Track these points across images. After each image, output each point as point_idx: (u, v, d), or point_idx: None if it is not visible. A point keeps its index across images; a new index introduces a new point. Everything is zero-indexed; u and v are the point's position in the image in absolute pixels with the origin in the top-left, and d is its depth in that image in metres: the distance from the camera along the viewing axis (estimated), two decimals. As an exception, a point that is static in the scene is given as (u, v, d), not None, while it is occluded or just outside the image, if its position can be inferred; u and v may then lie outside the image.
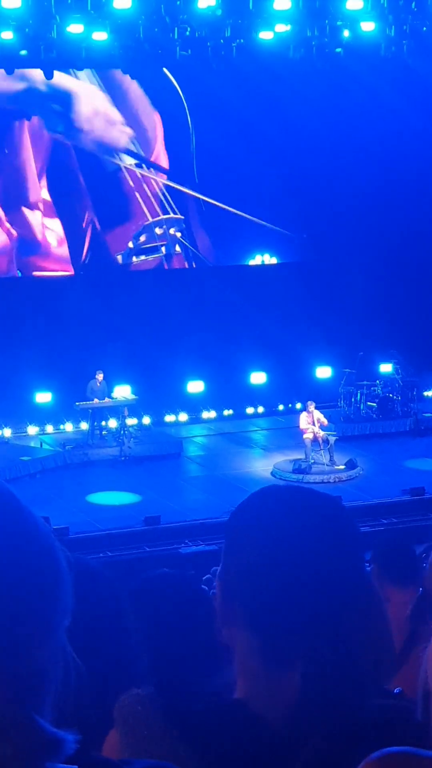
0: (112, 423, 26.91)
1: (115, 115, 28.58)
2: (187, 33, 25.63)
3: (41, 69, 25.39)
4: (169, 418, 28.56)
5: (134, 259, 29.57)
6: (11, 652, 1.78)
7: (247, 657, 2.23)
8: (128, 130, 28.71)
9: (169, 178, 29.39)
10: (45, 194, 28.35)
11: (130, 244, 29.44)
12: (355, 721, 2.18)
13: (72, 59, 25.52)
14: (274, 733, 2.18)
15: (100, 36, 24.92)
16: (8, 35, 24.37)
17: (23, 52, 24.80)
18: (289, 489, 2.35)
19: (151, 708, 2.27)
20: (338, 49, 27.07)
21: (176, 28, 25.45)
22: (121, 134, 28.69)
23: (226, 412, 29.10)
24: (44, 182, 28.32)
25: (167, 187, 29.41)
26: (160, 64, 26.67)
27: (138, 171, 28.93)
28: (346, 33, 26.63)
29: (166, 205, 29.54)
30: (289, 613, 2.18)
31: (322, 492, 2.37)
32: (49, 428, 27.41)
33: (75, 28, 24.58)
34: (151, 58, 25.94)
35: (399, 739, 2.09)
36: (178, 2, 25.08)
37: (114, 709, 2.36)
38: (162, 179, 29.12)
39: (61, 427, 27.52)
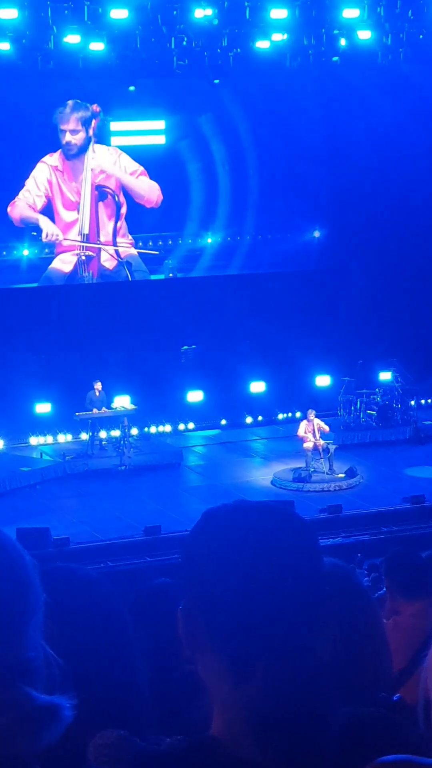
0: (113, 433, 26.90)
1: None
2: (184, 43, 25.70)
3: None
4: (169, 427, 28.54)
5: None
6: None
7: (218, 683, 2.20)
8: None
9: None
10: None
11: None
12: (321, 737, 2.16)
13: (69, 70, 25.56)
14: None
15: (97, 46, 25.00)
16: (5, 46, 24.44)
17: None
18: (237, 506, 2.31)
19: (121, 751, 2.25)
20: (335, 58, 27.15)
21: (173, 38, 25.53)
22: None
23: (225, 422, 29.08)
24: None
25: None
26: (157, 74, 26.66)
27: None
28: (342, 42, 26.71)
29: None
30: (252, 631, 2.16)
31: (271, 503, 2.34)
32: (49, 439, 27.40)
33: (72, 39, 24.66)
34: (148, 68, 26.00)
35: (391, 748, 2.09)
36: (175, 12, 25.16)
37: (88, 749, 2.34)
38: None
39: (61, 437, 27.51)
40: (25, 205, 28.03)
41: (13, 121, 26.98)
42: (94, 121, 27.98)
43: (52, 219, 28.34)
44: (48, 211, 28.28)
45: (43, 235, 28.23)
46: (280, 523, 2.27)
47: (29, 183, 27.98)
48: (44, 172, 28.06)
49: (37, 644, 1.95)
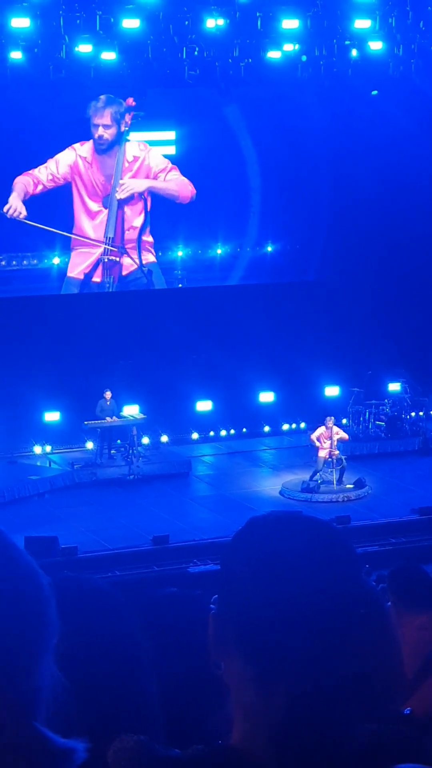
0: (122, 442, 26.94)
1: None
2: (196, 53, 25.74)
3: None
4: (178, 437, 28.53)
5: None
6: (13, 674, 1.89)
7: (241, 690, 2.19)
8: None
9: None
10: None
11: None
12: (341, 753, 2.14)
13: (81, 79, 25.61)
14: None
15: (109, 56, 25.05)
16: (18, 55, 24.50)
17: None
18: (282, 516, 2.30)
19: (140, 756, 2.24)
20: (350, 69, 27.14)
21: (184, 48, 25.57)
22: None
23: (234, 432, 29.08)
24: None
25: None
26: (168, 84, 26.70)
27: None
28: (354, 52, 26.73)
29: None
30: (283, 645, 2.15)
31: (314, 517, 2.33)
32: (57, 448, 27.39)
33: (84, 48, 24.71)
34: (159, 77, 26.05)
35: (408, 762, 2.08)
36: (187, 22, 25.22)
37: (108, 755, 2.34)
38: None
39: (70, 446, 27.51)
40: (30, 181, 27.63)
41: (24, 130, 27.03)
42: (127, 116, 27.77)
43: (71, 207, 28.16)
44: (64, 195, 28.05)
45: (5, 207, 27.54)
46: (323, 538, 2.26)
47: (50, 162, 27.69)
48: (70, 158, 27.85)
49: (48, 671, 1.96)
